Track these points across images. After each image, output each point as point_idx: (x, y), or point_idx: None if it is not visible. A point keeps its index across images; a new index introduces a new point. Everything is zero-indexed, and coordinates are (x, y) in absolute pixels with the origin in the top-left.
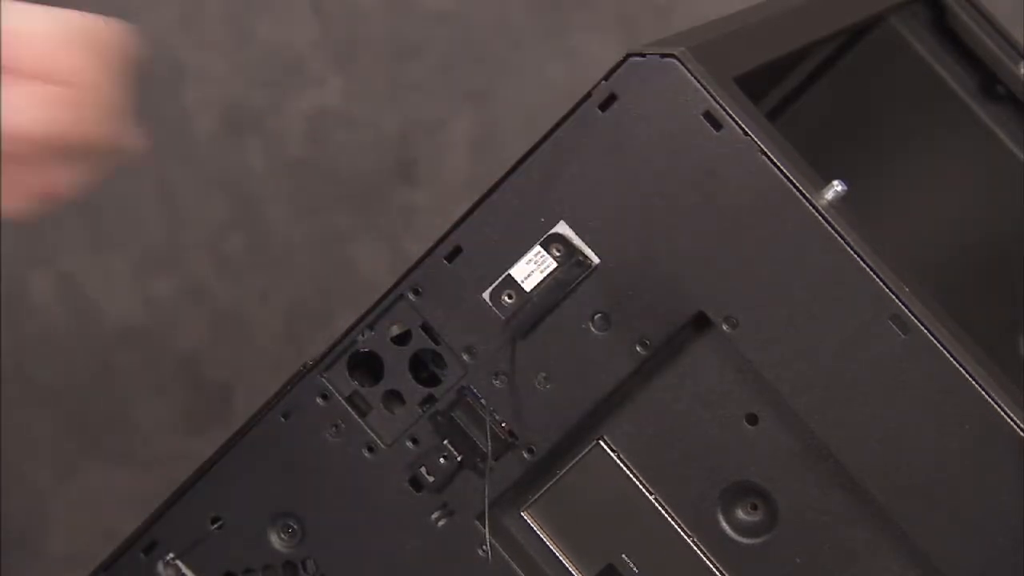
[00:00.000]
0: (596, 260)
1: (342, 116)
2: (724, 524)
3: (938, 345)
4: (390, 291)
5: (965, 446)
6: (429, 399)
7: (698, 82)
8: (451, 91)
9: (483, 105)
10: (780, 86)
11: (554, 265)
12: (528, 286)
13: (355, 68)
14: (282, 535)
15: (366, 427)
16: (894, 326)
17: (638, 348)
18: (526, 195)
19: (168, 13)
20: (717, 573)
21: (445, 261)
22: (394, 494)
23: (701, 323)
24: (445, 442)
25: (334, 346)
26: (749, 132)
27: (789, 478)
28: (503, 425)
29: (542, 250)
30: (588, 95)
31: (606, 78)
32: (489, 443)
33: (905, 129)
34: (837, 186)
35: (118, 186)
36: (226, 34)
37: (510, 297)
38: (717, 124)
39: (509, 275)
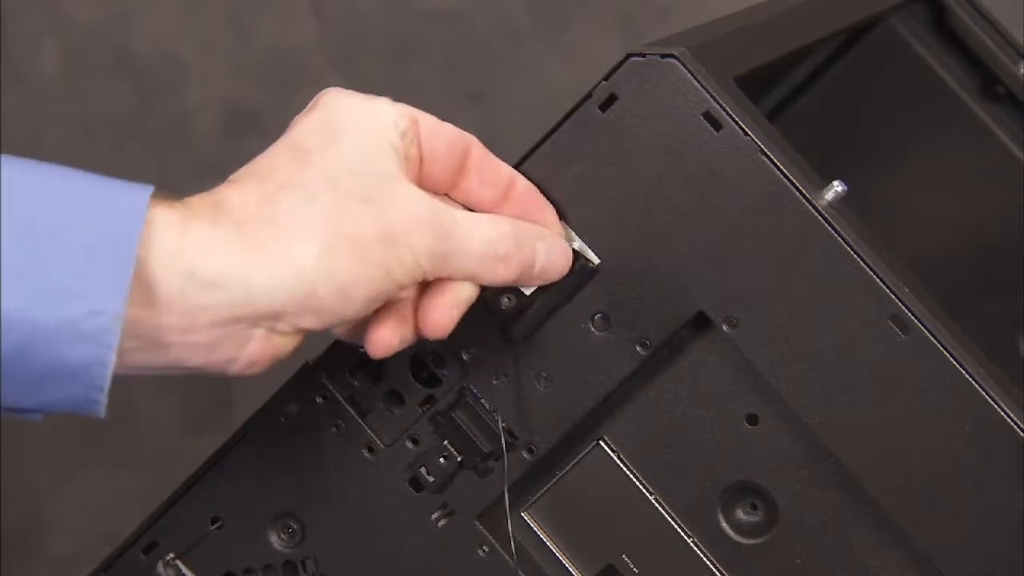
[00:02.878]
0: (596, 260)
1: None
2: (724, 524)
3: (938, 345)
4: None
5: (965, 446)
6: (429, 399)
7: (698, 82)
8: (451, 91)
9: (483, 105)
10: (780, 86)
11: None
12: (527, 289)
13: (355, 68)
14: (282, 535)
15: (366, 427)
16: (894, 326)
17: (638, 348)
18: None
19: (169, 13)
20: (717, 573)
21: None
22: (394, 494)
23: (701, 323)
24: (445, 442)
25: (334, 346)
26: (749, 132)
27: (789, 478)
28: (503, 425)
29: None
30: (588, 95)
31: (606, 78)
32: (503, 438)
33: (905, 129)
34: (837, 186)
35: None
36: (227, 34)
37: (509, 300)
38: (717, 124)
39: None
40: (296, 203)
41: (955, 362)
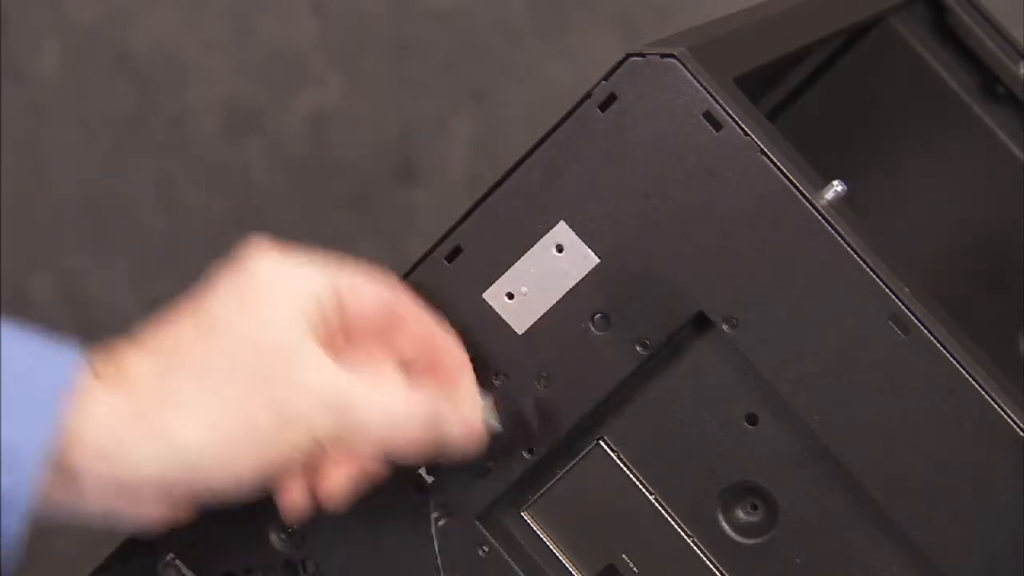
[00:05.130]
0: (596, 260)
1: (343, 115)
2: (724, 524)
3: (938, 345)
4: None
5: (965, 446)
6: None
7: (698, 82)
8: (451, 90)
9: (483, 104)
10: (780, 86)
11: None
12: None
13: (356, 67)
14: (282, 535)
15: None
16: (894, 326)
17: (638, 348)
18: (526, 195)
19: (170, 13)
20: (717, 573)
21: (445, 261)
22: (394, 494)
23: (701, 323)
24: None
25: None
26: (749, 132)
27: (789, 478)
28: (501, 423)
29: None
30: (588, 95)
31: (606, 78)
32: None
33: (905, 129)
34: (837, 186)
35: (118, 186)
36: (227, 33)
37: (510, 297)
38: (717, 124)
39: (508, 274)
40: (189, 380)
41: (955, 362)
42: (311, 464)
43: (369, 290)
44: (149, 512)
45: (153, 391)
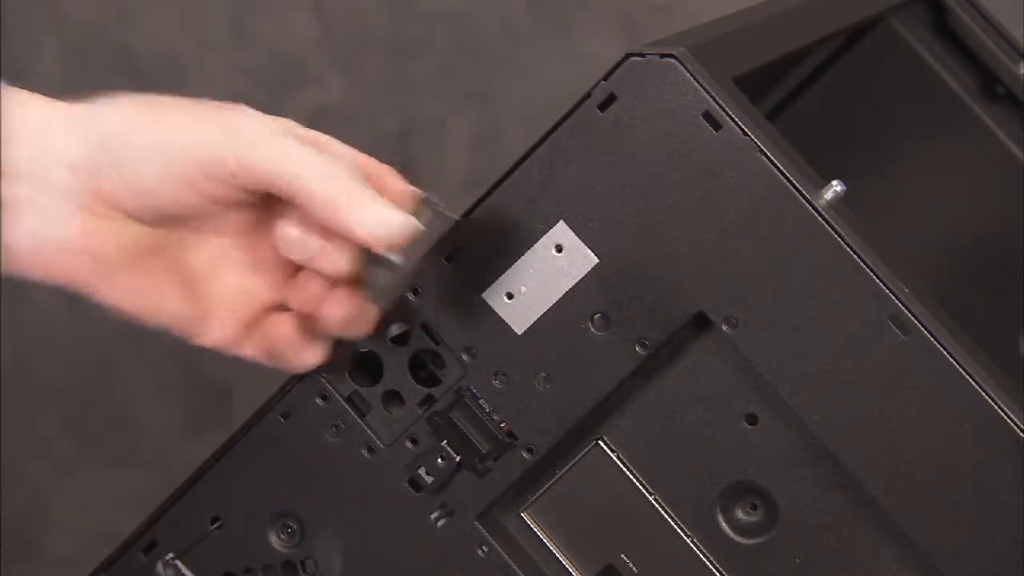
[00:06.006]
0: (596, 260)
1: (342, 115)
2: (724, 524)
3: (938, 345)
4: None
5: (965, 446)
6: (428, 399)
7: (698, 82)
8: (451, 91)
9: (483, 105)
10: (780, 86)
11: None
12: (397, 258)
13: (355, 67)
14: (282, 535)
15: (366, 427)
16: (894, 326)
17: (638, 348)
18: (526, 195)
19: (169, 13)
20: (717, 573)
21: (445, 261)
22: (393, 494)
23: (701, 323)
24: (444, 443)
25: (334, 346)
26: (749, 132)
27: (789, 478)
28: (502, 425)
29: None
30: (588, 95)
31: (606, 78)
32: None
33: (905, 129)
34: (837, 186)
35: None
36: (227, 34)
37: (510, 297)
38: (717, 124)
39: (508, 274)
40: (121, 100)
41: (955, 362)
42: (234, 211)
43: (344, 147)
44: (70, 233)
45: (85, 104)
